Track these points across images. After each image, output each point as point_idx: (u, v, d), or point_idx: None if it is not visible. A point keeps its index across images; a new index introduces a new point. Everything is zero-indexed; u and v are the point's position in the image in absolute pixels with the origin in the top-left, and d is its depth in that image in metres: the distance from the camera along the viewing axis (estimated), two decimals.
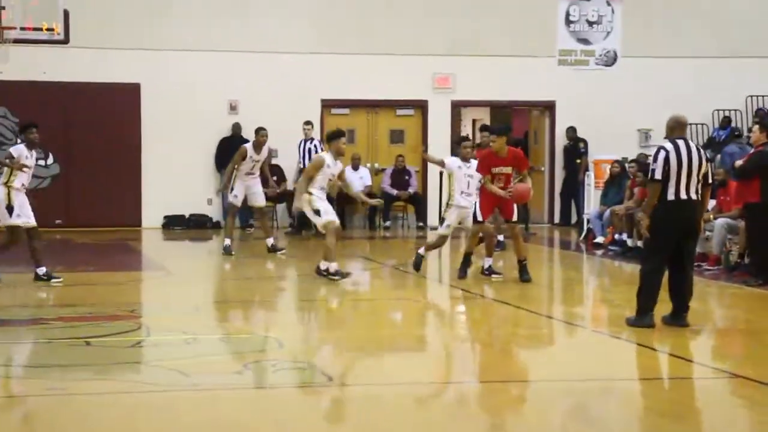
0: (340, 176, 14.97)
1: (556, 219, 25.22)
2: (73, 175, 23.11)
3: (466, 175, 14.98)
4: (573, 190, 24.66)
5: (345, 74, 23.99)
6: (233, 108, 23.83)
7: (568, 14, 25.14)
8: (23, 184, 14.47)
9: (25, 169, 14.39)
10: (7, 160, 14.41)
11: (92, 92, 23.09)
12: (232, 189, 18.15)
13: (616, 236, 19.22)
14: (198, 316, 12.20)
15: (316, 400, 8.18)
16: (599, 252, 19.35)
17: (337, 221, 14.88)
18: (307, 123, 22.56)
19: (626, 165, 20.52)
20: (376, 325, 12.05)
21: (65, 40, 19.26)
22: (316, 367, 9.23)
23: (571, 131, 24.87)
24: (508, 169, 14.51)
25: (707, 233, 15.94)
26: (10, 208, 14.29)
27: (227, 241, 18.04)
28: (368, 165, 24.57)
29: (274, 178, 20.00)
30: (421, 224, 24.06)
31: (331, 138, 14.80)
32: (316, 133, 22.96)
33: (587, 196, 22.32)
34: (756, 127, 15.09)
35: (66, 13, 18.96)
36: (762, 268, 14.59)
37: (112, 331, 10.84)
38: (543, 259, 19.39)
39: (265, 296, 14.39)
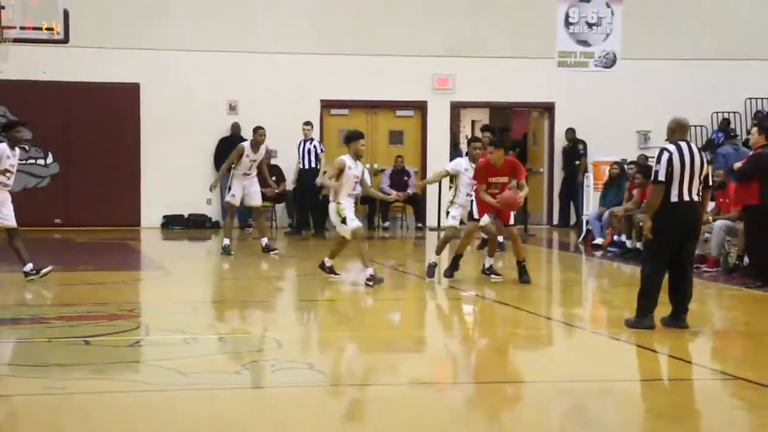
0: (360, 179, 14.74)
1: (555, 220, 25.23)
2: (72, 174, 23.11)
3: (472, 178, 14.88)
4: (572, 192, 24.68)
5: (344, 75, 24.00)
6: (233, 108, 23.84)
7: (567, 16, 25.15)
8: (4, 184, 14.37)
9: (8, 173, 14.28)
10: None
11: (92, 92, 23.10)
12: (229, 189, 18.14)
13: (615, 237, 19.23)
14: (196, 315, 12.20)
15: (314, 401, 8.18)
16: (598, 253, 19.36)
17: (362, 225, 14.71)
18: (307, 123, 22.56)
19: (625, 166, 20.53)
20: (375, 325, 12.05)
21: (65, 40, 19.26)
22: (314, 367, 9.22)
23: (571, 133, 24.88)
24: (504, 179, 14.43)
25: (706, 235, 15.94)
26: None
27: (226, 241, 18.03)
28: (367, 165, 24.49)
29: (273, 178, 19.99)
30: (419, 225, 24.08)
31: (350, 139, 14.51)
32: (315, 134, 22.96)
33: (586, 198, 22.33)
34: (755, 129, 15.09)
35: (66, 13, 18.95)
36: (761, 270, 14.60)
37: (111, 330, 10.84)
38: (542, 260, 19.38)
39: (263, 296, 14.38)
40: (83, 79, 23.04)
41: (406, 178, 23.93)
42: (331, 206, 14.39)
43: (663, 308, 11.07)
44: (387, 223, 24.19)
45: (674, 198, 10.83)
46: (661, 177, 10.83)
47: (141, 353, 10.02)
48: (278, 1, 24.00)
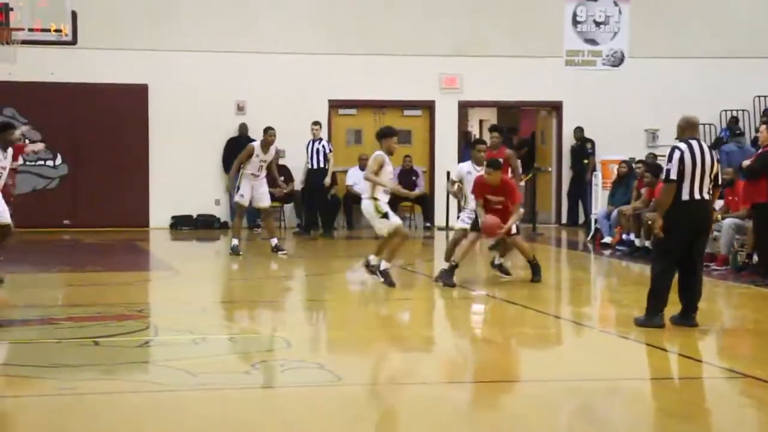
0: None
1: (564, 219, 25.22)
2: (80, 175, 23.14)
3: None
4: (580, 191, 24.66)
5: (352, 75, 24.01)
6: (240, 109, 23.86)
7: (575, 15, 25.14)
8: None
9: None
10: None
11: (100, 93, 23.13)
12: (238, 189, 18.13)
13: (624, 236, 19.21)
14: (206, 315, 12.20)
15: (324, 400, 8.18)
16: (607, 252, 19.35)
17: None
18: (315, 123, 22.58)
19: (633, 165, 20.51)
20: (384, 325, 12.06)
21: (73, 42, 19.28)
22: (324, 367, 9.22)
23: (579, 131, 24.87)
24: (500, 199, 14.37)
25: (715, 233, 15.92)
26: None
27: (235, 242, 18.03)
28: None
29: (282, 178, 19.99)
30: (428, 224, 24.09)
31: (384, 136, 14.06)
32: (323, 134, 22.97)
33: (594, 197, 22.32)
34: (763, 127, 15.07)
35: (74, 15, 18.97)
36: None
37: (120, 330, 10.85)
38: (551, 259, 19.36)
39: (272, 296, 14.39)
40: (91, 81, 23.07)
41: (414, 177, 23.92)
42: (368, 203, 13.93)
43: (672, 307, 11.06)
44: None
45: (685, 196, 10.81)
46: (673, 175, 10.81)
47: (150, 354, 10.03)
48: (287, 2, 24.02)
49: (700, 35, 25.12)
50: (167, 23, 23.43)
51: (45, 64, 22.44)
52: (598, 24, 25.18)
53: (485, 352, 10.65)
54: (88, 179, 23.15)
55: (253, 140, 19.78)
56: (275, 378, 9.07)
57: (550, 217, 25.32)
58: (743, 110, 25.07)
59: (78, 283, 14.71)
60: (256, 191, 18.09)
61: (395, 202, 23.62)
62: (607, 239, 20.00)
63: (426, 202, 24.10)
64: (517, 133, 27.19)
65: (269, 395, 8.55)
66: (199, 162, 23.51)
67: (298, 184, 23.28)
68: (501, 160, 14.64)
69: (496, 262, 15.02)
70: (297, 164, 23.16)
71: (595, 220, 21.27)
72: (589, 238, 21.46)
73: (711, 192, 10.98)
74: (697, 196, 10.83)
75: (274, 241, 18.17)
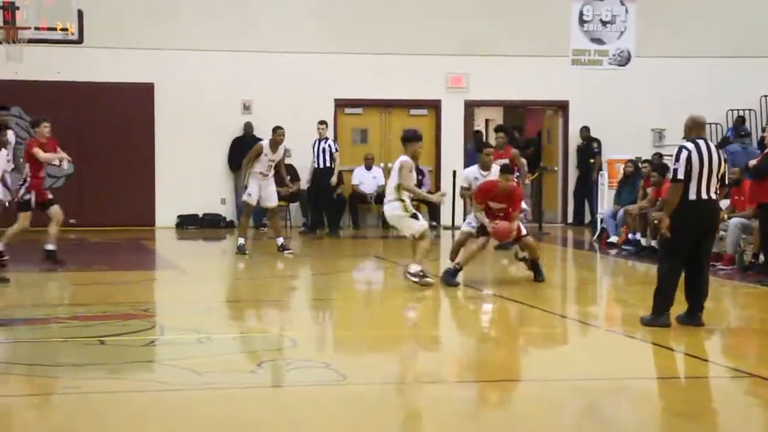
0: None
1: (570, 218, 25.20)
2: (86, 174, 23.14)
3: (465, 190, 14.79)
4: (586, 190, 24.64)
5: (358, 74, 24.00)
6: (246, 108, 23.86)
7: (581, 14, 25.12)
8: None
9: None
10: None
11: (106, 92, 23.14)
12: (245, 188, 18.13)
13: (630, 236, 19.19)
14: (211, 315, 12.20)
15: (330, 399, 8.17)
16: (613, 251, 19.33)
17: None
18: (322, 122, 22.57)
19: (640, 165, 20.48)
20: (390, 324, 12.05)
21: (79, 40, 19.31)
22: (330, 366, 9.22)
23: (585, 131, 24.85)
24: (503, 206, 14.35)
25: (722, 233, 15.90)
26: None
27: (241, 240, 18.04)
28: (381, 165, 24.55)
29: (288, 177, 19.97)
30: (434, 224, 24.05)
31: (410, 140, 14.01)
32: (329, 133, 22.96)
33: (601, 196, 22.29)
34: None
35: (80, 13, 18.99)
36: None
37: (126, 330, 10.85)
38: (557, 258, 19.36)
39: (278, 295, 14.40)
40: (98, 80, 23.08)
41: (420, 177, 23.90)
42: (395, 205, 13.77)
43: (678, 306, 11.04)
44: None
45: (692, 196, 10.79)
46: (680, 175, 10.79)
47: (156, 353, 10.03)
48: (293, 1, 24.01)
49: (706, 35, 25.09)
50: (174, 22, 23.43)
51: (51, 63, 22.45)
52: (604, 23, 25.15)
53: (491, 352, 10.64)
54: (94, 178, 23.15)
55: (259, 139, 19.79)
56: (281, 377, 9.07)
57: (556, 217, 25.31)
58: (750, 110, 25.04)
59: (83, 282, 14.72)
60: (264, 191, 18.08)
61: None
62: (613, 239, 19.98)
63: (431, 202, 24.01)
64: (522, 133, 27.17)
65: (275, 394, 8.55)
66: (205, 161, 23.52)
67: (304, 184, 23.27)
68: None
69: (520, 255, 14.97)
70: (303, 163, 23.15)
71: (601, 220, 21.24)
72: (595, 237, 21.44)
73: (717, 191, 10.97)
74: (704, 195, 10.81)
75: (280, 241, 18.17)
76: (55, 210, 15.82)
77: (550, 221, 24.68)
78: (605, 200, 21.77)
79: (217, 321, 11.86)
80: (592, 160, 24.54)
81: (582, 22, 25.10)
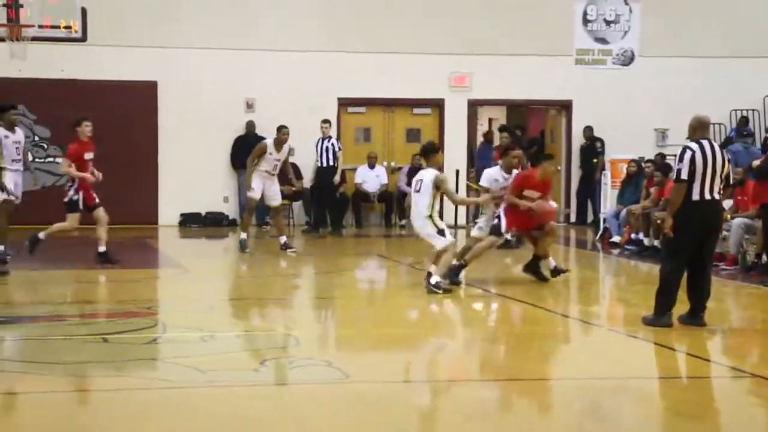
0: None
1: (573, 218, 25.19)
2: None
3: (503, 189, 14.75)
4: (589, 190, 24.64)
5: (361, 73, 24.00)
6: (250, 106, 23.88)
7: (585, 13, 25.12)
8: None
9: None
10: None
11: (110, 90, 23.14)
12: (249, 184, 18.09)
13: (633, 235, 19.19)
14: (214, 313, 12.21)
15: (332, 397, 8.19)
16: (615, 251, 19.33)
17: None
18: (325, 121, 22.55)
19: (643, 164, 20.49)
20: (393, 322, 12.06)
21: (83, 38, 19.30)
22: (332, 365, 9.23)
23: (588, 130, 24.85)
24: (539, 193, 14.45)
25: (724, 233, 15.90)
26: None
27: (243, 235, 18.05)
28: (384, 163, 24.58)
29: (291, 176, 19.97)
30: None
31: (430, 152, 13.95)
32: (333, 131, 22.96)
33: (604, 196, 22.30)
34: None
35: (84, 11, 18.99)
36: None
37: (128, 327, 10.87)
38: (559, 258, 19.29)
39: (281, 294, 14.40)
40: (101, 78, 23.09)
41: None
42: (426, 222, 13.53)
43: (681, 306, 11.04)
44: (404, 221, 24.18)
45: (696, 196, 10.79)
46: (684, 175, 10.78)
47: (159, 351, 10.05)
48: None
49: (710, 35, 25.08)
50: (178, 20, 23.45)
51: (54, 61, 22.46)
52: (608, 23, 25.16)
53: (493, 351, 10.65)
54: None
55: (261, 138, 19.79)
56: (284, 375, 9.08)
57: (558, 216, 25.28)
58: (753, 110, 25.03)
59: (86, 280, 14.73)
60: (268, 189, 18.05)
61: (403, 201, 23.73)
62: (616, 238, 19.97)
63: None
64: (525, 132, 27.16)
65: (278, 392, 8.56)
66: (208, 159, 23.53)
67: (307, 182, 23.27)
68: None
69: (552, 266, 14.79)
70: (306, 162, 23.15)
71: (604, 219, 21.25)
72: (598, 237, 21.44)
73: (721, 192, 10.96)
74: (707, 196, 10.81)
75: (283, 239, 18.17)
76: (100, 213, 15.92)
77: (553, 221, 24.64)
78: (608, 200, 21.78)
79: (220, 319, 11.86)
80: (595, 160, 24.54)
81: (586, 21, 25.11)
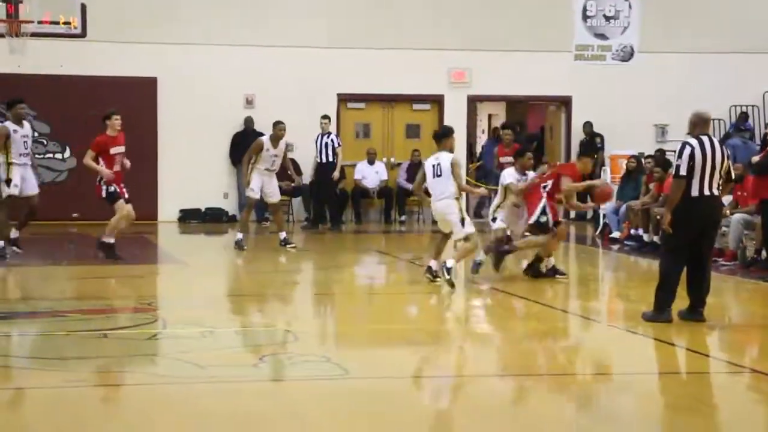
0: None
1: (572, 214, 25.17)
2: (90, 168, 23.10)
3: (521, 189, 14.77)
4: None
5: (361, 69, 23.99)
6: (249, 102, 23.87)
7: (585, 9, 25.11)
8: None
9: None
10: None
11: (109, 86, 23.10)
12: (248, 183, 18.10)
13: (632, 231, 19.19)
14: (214, 308, 12.21)
15: (330, 393, 8.19)
16: (615, 247, 19.34)
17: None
18: (324, 117, 22.53)
19: (642, 160, 20.49)
20: (392, 318, 12.06)
21: (82, 34, 19.29)
22: (331, 360, 9.24)
23: (588, 126, 24.84)
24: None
25: (724, 228, 15.91)
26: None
27: (239, 236, 18.01)
28: (384, 159, 24.58)
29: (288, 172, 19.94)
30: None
31: (444, 136, 14.29)
32: (332, 127, 22.95)
33: None
34: None
35: (83, 7, 18.99)
36: None
37: (129, 323, 10.89)
38: (559, 254, 19.29)
39: (280, 289, 14.41)
40: (101, 74, 23.07)
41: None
42: (453, 203, 13.73)
43: (680, 302, 11.05)
44: (404, 217, 24.23)
45: (695, 192, 10.78)
46: (683, 171, 10.78)
47: (158, 346, 10.05)
48: None
49: (709, 30, 25.06)
50: (177, 16, 23.43)
51: (54, 57, 22.43)
52: (608, 18, 25.15)
53: (492, 347, 10.65)
54: (96, 172, 23.09)
55: (260, 134, 19.78)
56: (283, 371, 9.09)
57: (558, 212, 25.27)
58: (753, 106, 25.03)
59: (86, 275, 14.73)
60: (267, 187, 18.05)
61: (403, 197, 23.78)
62: (616, 234, 19.99)
63: None
64: (525, 128, 27.18)
65: (277, 388, 8.57)
66: (208, 155, 23.53)
67: (306, 178, 23.26)
68: None
69: (550, 266, 14.79)
70: (305, 158, 23.14)
71: (604, 215, 21.25)
72: (597, 233, 21.45)
73: (721, 187, 10.96)
74: (706, 192, 10.81)
75: (283, 235, 18.18)
76: (121, 204, 15.88)
77: None
78: None
79: (219, 315, 11.87)
80: (595, 156, 24.51)
81: (585, 17, 25.10)
